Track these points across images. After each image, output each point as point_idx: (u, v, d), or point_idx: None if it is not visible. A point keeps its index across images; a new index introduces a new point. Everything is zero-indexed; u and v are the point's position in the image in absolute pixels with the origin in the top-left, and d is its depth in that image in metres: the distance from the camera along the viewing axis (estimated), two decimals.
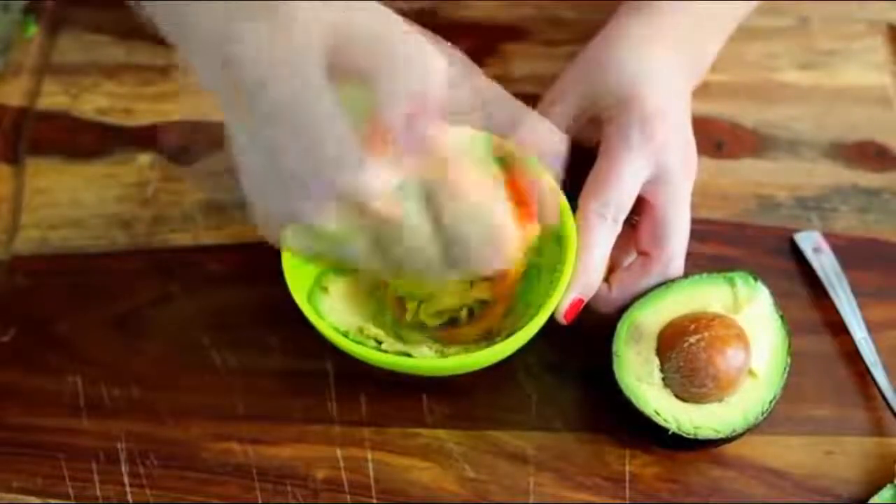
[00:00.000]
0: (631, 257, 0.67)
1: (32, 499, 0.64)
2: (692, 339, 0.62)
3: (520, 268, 0.64)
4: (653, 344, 0.63)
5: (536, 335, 0.62)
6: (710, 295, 0.65)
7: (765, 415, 0.62)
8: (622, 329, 0.64)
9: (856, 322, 0.68)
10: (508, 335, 0.61)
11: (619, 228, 0.64)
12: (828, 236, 0.72)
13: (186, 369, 0.68)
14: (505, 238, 0.58)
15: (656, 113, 0.64)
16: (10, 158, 0.77)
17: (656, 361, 0.63)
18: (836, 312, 0.69)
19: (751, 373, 0.63)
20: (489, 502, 0.63)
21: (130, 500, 0.63)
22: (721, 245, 0.72)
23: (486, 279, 0.65)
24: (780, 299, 0.66)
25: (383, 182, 0.53)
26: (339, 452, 0.65)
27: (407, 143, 0.53)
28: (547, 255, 0.65)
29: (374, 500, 0.63)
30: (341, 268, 0.65)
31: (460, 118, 0.57)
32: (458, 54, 0.56)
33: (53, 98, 0.80)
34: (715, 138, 0.77)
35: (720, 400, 0.62)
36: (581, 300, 0.63)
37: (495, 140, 0.61)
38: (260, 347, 0.68)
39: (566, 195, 0.64)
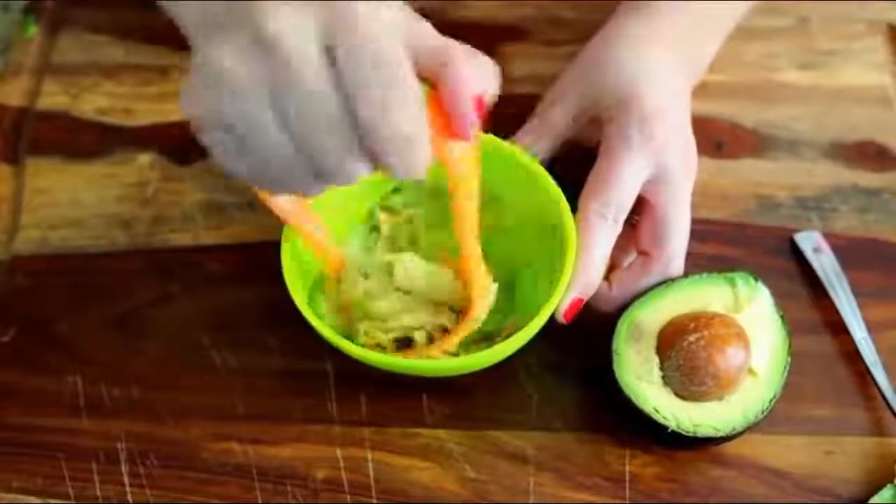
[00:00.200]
0: (631, 257, 0.67)
1: (32, 499, 0.64)
2: (692, 338, 0.62)
3: (479, 303, 0.62)
4: (653, 343, 0.63)
5: (536, 335, 0.62)
6: (710, 294, 0.65)
7: (765, 413, 0.62)
8: (622, 328, 0.64)
9: (856, 322, 0.68)
10: (508, 335, 0.61)
11: (619, 228, 0.64)
12: (828, 236, 0.72)
13: (186, 369, 0.68)
14: (415, 116, 0.51)
15: (656, 112, 0.64)
16: (10, 158, 0.77)
17: (656, 360, 0.63)
18: (836, 312, 0.69)
19: (751, 372, 0.63)
20: (489, 502, 0.63)
21: (130, 500, 0.63)
22: (721, 245, 0.72)
23: (451, 309, 0.65)
24: (781, 299, 0.66)
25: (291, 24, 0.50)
26: (339, 452, 0.65)
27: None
28: (546, 254, 0.65)
29: (374, 500, 0.63)
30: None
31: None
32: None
33: (53, 98, 0.80)
34: (715, 138, 0.77)
35: (720, 398, 0.62)
36: (581, 300, 0.63)
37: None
38: (260, 347, 0.69)
39: (565, 195, 0.64)
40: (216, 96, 0.50)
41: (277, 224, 0.62)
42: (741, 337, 0.62)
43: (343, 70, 0.49)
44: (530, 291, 0.66)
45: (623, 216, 0.64)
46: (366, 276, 0.65)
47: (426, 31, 0.53)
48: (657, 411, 0.62)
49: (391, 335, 0.64)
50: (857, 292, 0.69)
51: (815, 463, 0.64)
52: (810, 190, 0.75)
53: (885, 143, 0.77)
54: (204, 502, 0.63)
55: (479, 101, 0.54)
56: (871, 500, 0.62)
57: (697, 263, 0.67)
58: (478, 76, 0.54)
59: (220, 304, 0.70)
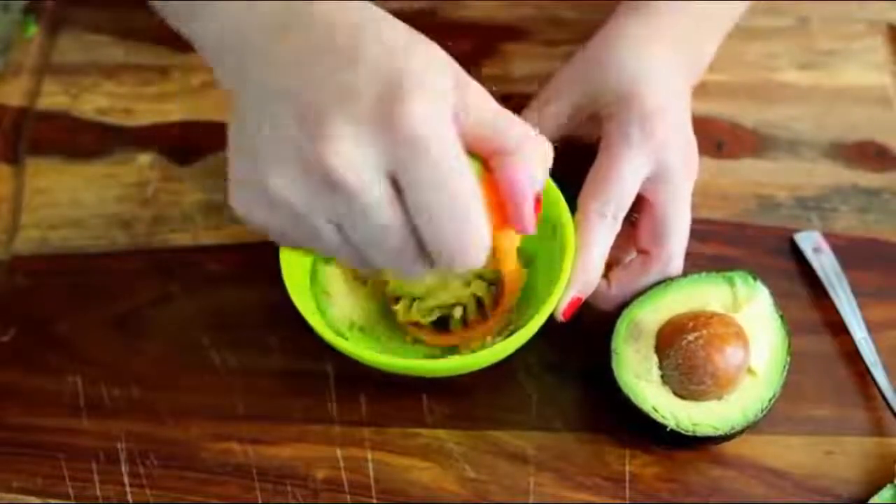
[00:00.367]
0: (631, 255, 0.67)
1: (32, 499, 0.64)
2: (691, 337, 0.62)
3: (515, 282, 0.64)
4: (652, 342, 0.63)
5: (536, 335, 0.62)
6: (709, 294, 0.65)
7: (764, 413, 0.62)
8: (621, 327, 0.64)
9: (856, 322, 0.68)
10: (508, 335, 0.61)
11: (618, 227, 0.64)
12: (828, 236, 0.72)
13: (186, 369, 0.68)
14: (478, 228, 0.52)
15: (656, 111, 0.64)
16: (10, 158, 0.77)
17: (655, 359, 0.63)
18: (836, 312, 0.69)
19: (750, 371, 0.63)
20: (489, 502, 0.63)
21: (130, 500, 0.63)
22: (721, 245, 0.72)
23: (486, 280, 0.66)
24: (780, 299, 0.66)
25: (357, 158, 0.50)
26: (339, 452, 0.65)
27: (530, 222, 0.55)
28: (545, 253, 0.65)
29: (374, 500, 0.63)
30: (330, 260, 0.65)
31: None
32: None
33: (53, 98, 0.80)
34: (715, 138, 0.77)
35: (719, 398, 0.62)
36: (579, 298, 0.63)
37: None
38: (260, 347, 0.69)
39: (565, 194, 0.64)
40: (275, 218, 0.52)
41: None
42: (740, 336, 0.62)
43: (408, 199, 0.51)
44: (530, 291, 0.66)
45: (622, 214, 0.64)
46: None
47: (480, 102, 0.53)
48: (656, 410, 0.62)
49: (429, 318, 0.65)
50: (857, 292, 0.69)
51: (814, 463, 0.64)
52: (810, 190, 0.75)
53: (885, 143, 0.77)
54: (204, 502, 0.63)
55: (538, 199, 0.56)
56: (871, 501, 0.62)
57: (697, 263, 0.67)
58: (535, 163, 0.55)
59: (220, 304, 0.70)
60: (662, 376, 0.63)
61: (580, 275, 0.62)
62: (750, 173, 0.76)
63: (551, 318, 0.62)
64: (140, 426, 0.66)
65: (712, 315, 0.63)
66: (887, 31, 0.82)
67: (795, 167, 0.76)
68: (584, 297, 0.63)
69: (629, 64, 0.66)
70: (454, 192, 0.51)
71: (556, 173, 0.65)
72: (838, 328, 0.68)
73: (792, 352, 0.64)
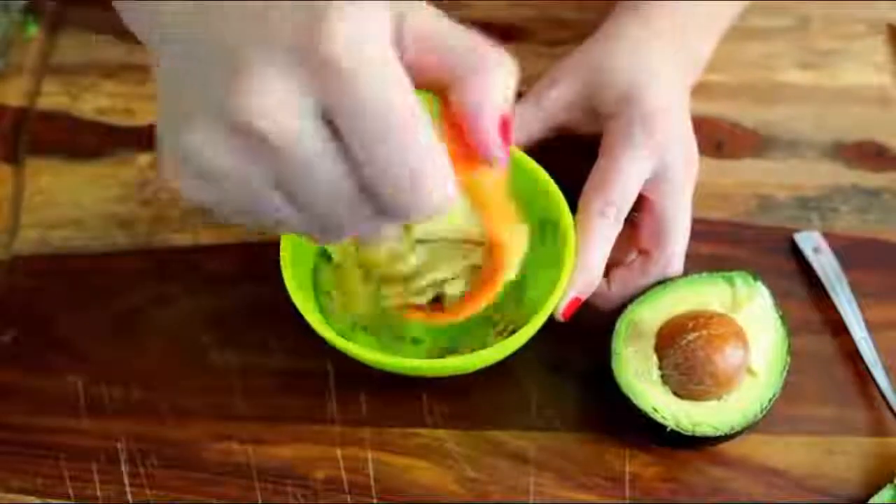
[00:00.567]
0: (631, 255, 0.67)
1: (32, 499, 0.64)
2: (690, 337, 0.62)
3: (509, 243, 0.56)
4: (651, 341, 0.63)
5: (536, 335, 0.62)
6: (709, 294, 0.65)
7: (764, 413, 0.62)
8: (621, 326, 0.64)
9: (856, 322, 0.68)
10: (508, 335, 0.61)
11: (619, 227, 0.64)
12: (828, 236, 0.72)
13: (186, 369, 0.68)
14: (433, 161, 0.44)
15: (658, 111, 0.64)
16: (10, 158, 0.77)
17: (655, 359, 0.63)
18: (836, 312, 0.69)
19: (750, 371, 0.63)
20: (489, 502, 0.63)
21: (130, 500, 0.63)
22: (721, 245, 0.72)
23: (479, 244, 0.60)
24: (780, 299, 0.66)
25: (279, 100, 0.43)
26: (339, 452, 0.65)
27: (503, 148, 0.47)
28: (546, 254, 0.65)
29: (374, 500, 0.63)
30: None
31: None
32: None
33: (53, 98, 0.80)
34: (715, 138, 0.77)
35: (719, 398, 0.62)
36: (579, 298, 0.63)
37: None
38: (260, 347, 0.68)
39: (565, 194, 0.64)
40: (210, 190, 0.46)
41: None
42: (739, 336, 0.62)
43: (347, 140, 0.44)
44: (530, 291, 0.66)
45: (624, 215, 0.64)
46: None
47: (428, 23, 0.47)
48: (656, 410, 0.62)
49: (423, 297, 0.60)
50: (857, 292, 0.69)
51: (814, 463, 0.64)
52: (810, 190, 0.75)
53: (885, 143, 0.77)
54: (204, 502, 0.63)
55: (505, 122, 0.47)
56: (871, 501, 0.62)
57: (697, 263, 0.67)
58: (498, 82, 0.47)
59: (220, 304, 0.70)
60: (662, 376, 0.63)
61: (581, 275, 0.62)
62: (750, 173, 0.76)
63: (551, 318, 0.62)
64: (140, 426, 0.66)
65: (712, 315, 0.63)
66: (887, 31, 0.82)
67: (795, 167, 0.76)
68: (584, 297, 0.63)
69: (628, 64, 0.66)
70: (397, 122, 0.43)
71: (556, 173, 0.65)
72: (838, 328, 0.68)
73: (792, 352, 0.64)
